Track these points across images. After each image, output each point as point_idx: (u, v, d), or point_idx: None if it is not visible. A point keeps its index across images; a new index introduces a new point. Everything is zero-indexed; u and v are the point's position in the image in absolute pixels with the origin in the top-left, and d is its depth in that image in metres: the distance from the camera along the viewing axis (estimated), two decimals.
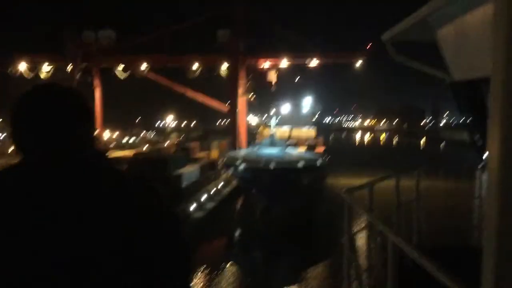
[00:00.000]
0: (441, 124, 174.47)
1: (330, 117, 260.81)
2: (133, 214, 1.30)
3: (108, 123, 68.58)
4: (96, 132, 1.41)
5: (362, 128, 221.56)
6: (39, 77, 49.26)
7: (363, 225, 4.87)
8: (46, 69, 50.12)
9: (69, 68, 49.02)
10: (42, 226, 1.21)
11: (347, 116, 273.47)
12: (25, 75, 48.98)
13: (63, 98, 1.32)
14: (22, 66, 49.77)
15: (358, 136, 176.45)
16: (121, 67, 49.86)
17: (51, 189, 1.24)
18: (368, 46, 48.40)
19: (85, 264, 1.20)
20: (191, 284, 1.47)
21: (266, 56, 49.28)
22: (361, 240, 7.12)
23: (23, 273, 1.17)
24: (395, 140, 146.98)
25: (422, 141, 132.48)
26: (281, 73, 51.37)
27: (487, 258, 1.02)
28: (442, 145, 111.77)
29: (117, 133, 72.81)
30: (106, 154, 1.42)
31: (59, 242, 1.20)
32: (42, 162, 1.26)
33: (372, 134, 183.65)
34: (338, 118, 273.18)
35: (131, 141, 67.68)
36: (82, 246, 1.21)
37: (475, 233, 6.40)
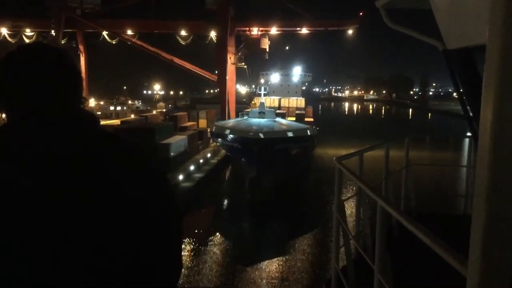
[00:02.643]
0: (430, 93, 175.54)
1: (319, 87, 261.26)
2: (127, 171, 1.29)
3: (93, 91, 67.38)
4: (83, 94, 1.39)
5: (351, 98, 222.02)
6: (23, 42, 48.21)
7: (352, 194, 4.92)
8: (28, 34, 48.88)
9: (53, 32, 47.75)
10: (34, 179, 1.18)
11: (337, 86, 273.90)
12: (9, 39, 48.03)
13: (50, 56, 1.29)
14: (5, 30, 48.40)
15: (347, 105, 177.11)
16: (106, 32, 48.69)
17: (42, 144, 1.22)
18: (361, 14, 47.86)
19: (80, 218, 1.19)
20: (181, 248, 1.48)
21: (257, 23, 48.30)
22: (350, 208, 7.27)
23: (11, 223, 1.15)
24: (383, 110, 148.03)
25: (411, 110, 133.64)
26: (272, 42, 50.64)
27: (476, 224, 1.02)
28: (430, 114, 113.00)
29: (102, 101, 71.74)
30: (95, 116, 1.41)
31: (53, 194, 1.18)
32: (31, 119, 1.24)
33: (361, 104, 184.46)
34: (328, 88, 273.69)
35: (117, 109, 66.78)
36: (77, 200, 1.19)
37: (462, 201, 6.54)
